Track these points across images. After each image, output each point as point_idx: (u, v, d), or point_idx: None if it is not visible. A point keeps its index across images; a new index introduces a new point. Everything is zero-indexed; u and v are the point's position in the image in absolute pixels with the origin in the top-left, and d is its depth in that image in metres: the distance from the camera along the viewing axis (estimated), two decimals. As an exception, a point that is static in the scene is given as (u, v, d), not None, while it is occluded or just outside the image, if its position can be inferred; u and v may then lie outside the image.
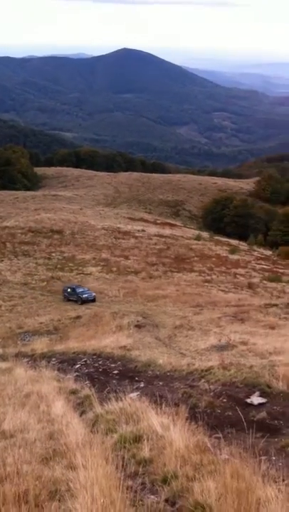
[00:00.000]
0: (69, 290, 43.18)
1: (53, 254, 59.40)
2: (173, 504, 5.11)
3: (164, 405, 8.34)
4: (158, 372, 14.73)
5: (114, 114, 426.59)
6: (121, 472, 5.70)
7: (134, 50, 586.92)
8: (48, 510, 4.88)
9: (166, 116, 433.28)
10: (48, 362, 18.74)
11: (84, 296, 41.73)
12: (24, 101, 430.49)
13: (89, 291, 42.86)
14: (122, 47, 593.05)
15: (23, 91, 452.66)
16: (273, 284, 49.41)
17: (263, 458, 6.39)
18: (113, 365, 17.36)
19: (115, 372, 16.24)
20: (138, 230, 74.92)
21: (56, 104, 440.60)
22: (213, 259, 61.45)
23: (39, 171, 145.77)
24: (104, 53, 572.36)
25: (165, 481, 5.53)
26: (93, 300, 41.54)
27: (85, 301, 41.04)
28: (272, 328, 26.58)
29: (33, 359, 20.58)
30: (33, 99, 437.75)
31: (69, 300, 42.40)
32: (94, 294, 42.43)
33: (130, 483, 5.73)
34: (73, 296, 42.35)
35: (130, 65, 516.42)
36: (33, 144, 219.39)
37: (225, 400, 10.30)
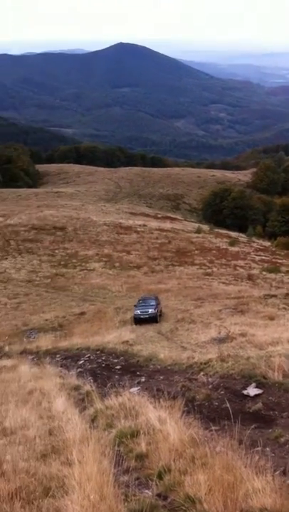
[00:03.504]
0: (134, 305, 32.99)
1: (57, 251, 59.47)
2: (165, 498, 5.20)
3: (162, 399, 8.43)
4: (159, 367, 14.84)
5: (112, 108, 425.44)
6: (117, 467, 5.88)
7: (129, 44, 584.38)
8: (40, 507, 4.95)
9: (163, 109, 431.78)
10: (52, 358, 18.94)
11: (136, 312, 31.57)
12: (23, 98, 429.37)
13: (147, 305, 32.10)
14: (118, 41, 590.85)
15: (22, 88, 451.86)
16: (272, 275, 49.45)
17: (257, 449, 6.49)
18: (116, 361, 17.50)
19: (118, 367, 16.37)
20: (139, 225, 74.88)
21: (55, 101, 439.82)
22: (214, 251, 61.46)
23: (41, 168, 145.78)
24: (100, 48, 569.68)
25: (159, 475, 5.62)
26: (153, 319, 30.82)
27: (138, 321, 30.73)
28: (272, 318, 26.65)
29: (38, 356, 20.77)
30: (32, 96, 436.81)
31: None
32: (152, 310, 31.33)
33: (126, 478, 5.84)
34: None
35: (127, 59, 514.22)
36: (34, 141, 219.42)
37: (222, 392, 10.38)
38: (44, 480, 5.74)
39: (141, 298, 34.06)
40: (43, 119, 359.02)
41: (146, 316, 30.87)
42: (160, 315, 31.88)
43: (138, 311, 31.32)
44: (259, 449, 6.54)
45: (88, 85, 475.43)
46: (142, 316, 30.81)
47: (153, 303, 32.26)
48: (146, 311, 31.24)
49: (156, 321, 30.48)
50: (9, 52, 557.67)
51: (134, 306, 32.53)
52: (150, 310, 31.33)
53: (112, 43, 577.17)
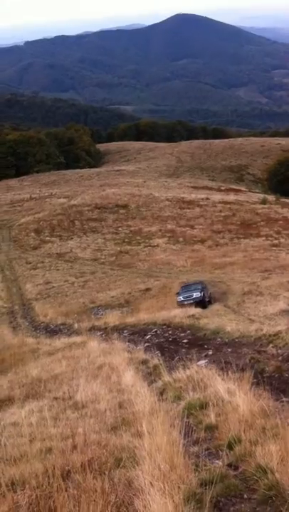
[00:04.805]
0: (177, 293, 30.92)
1: (120, 229, 59.97)
2: (236, 468, 5.16)
3: (230, 371, 8.36)
4: (226, 339, 14.73)
5: (171, 82, 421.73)
6: (186, 438, 5.87)
7: (188, 14, 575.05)
8: (112, 477, 5.01)
9: (224, 79, 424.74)
10: (120, 334, 19.15)
11: (179, 298, 29.32)
12: (82, 78, 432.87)
13: (191, 290, 29.66)
14: (176, 13, 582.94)
15: (81, 68, 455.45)
16: None
17: None
18: (182, 334, 17.50)
19: (184, 341, 16.36)
20: (202, 199, 74.20)
21: (114, 79, 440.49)
22: (280, 222, 60.08)
23: (101, 147, 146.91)
24: (158, 21, 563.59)
25: (229, 446, 5.58)
26: (200, 304, 27.76)
27: (184, 305, 27.75)
28: None
29: (106, 332, 21.08)
30: (90, 76, 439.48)
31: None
32: (196, 293, 28.91)
33: (196, 449, 5.84)
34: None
35: (185, 31, 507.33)
36: (94, 120, 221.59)
37: (293, 364, 10.19)
38: (115, 451, 5.81)
39: (183, 285, 31.74)
40: (102, 97, 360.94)
41: (191, 301, 28.01)
42: (209, 300, 29.38)
43: (181, 297, 29.06)
44: None
45: (146, 60, 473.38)
46: (185, 303, 27.94)
47: (198, 287, 29.70)
48: (190, 296, 28.75)
49: (205, 306, 27.35)
50: (66, 33, 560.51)
51: (177, 293, 30.41)
52: (194, 294, 28.79)
53: (170, 15, 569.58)
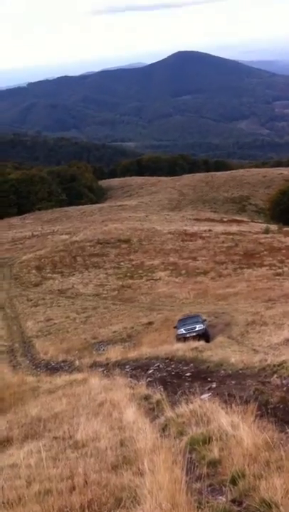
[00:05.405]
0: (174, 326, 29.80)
1: (122, 263, 60.03)
2: (239, 504, 5.06)
3: (234, 404, 8.21)
4: (230, 371, 14.52)
5: (173, 117, 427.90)
6: (189, 475, 5.77)
7: (188, 51, 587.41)
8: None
9: (225, 113, 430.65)
10: (122, 369, 18.94)
11: (180, 331, 28.03)
12: (84, 117, 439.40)
13: (192, 322, 28.72)
14: (177, 51, 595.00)
15: (83, 107, 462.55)
16: None
17: None
18: (185, 368, 17.27)
19: (188, 374, 16.13)
20: (205, 230, 74.50)
21: (116, 116, 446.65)
22: (283, 251, 60.03)
23: (104, 183, 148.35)
24: (159, 59, 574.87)
25: (233, 481, 5.48)
26: (204, 335, 26.98)
27: (184, 338, 26.15)
28: None
29: (108, 368, 20.86)
30: (92, 114, 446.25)
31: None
32: (199, 326, 28.03)
33: (198, 485, 5.73)
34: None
35: (186, 67, 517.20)
36: (97, 157, 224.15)
37: (299, 395, 10.00)
38: (116, 491, 5.70)
39: (181, 318, 30.85)
40: (105, 135, 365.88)
41: (194, 334, 26.85)
42: (208, 335, 28.15)
43: (183, 330, 27.83)
44: None
45: (148, 98, 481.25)
46: (187, 335, 26.60)
47: (198, 320, 28.89)
48: (192, 328, 27.72)
49: (208, 340, 26.08)
50: (69, 74, 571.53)
51: (174, 327, 29.47)
52: (197, 326, 27.85)
53: (171, 53, 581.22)
